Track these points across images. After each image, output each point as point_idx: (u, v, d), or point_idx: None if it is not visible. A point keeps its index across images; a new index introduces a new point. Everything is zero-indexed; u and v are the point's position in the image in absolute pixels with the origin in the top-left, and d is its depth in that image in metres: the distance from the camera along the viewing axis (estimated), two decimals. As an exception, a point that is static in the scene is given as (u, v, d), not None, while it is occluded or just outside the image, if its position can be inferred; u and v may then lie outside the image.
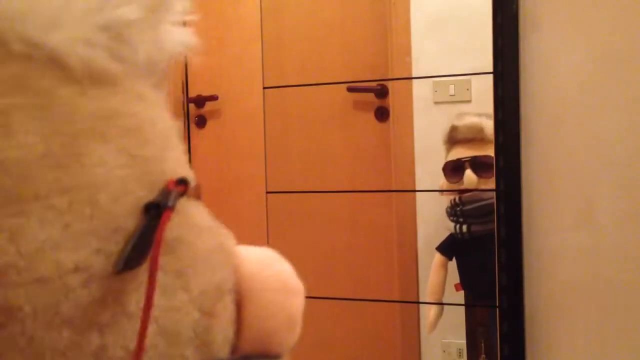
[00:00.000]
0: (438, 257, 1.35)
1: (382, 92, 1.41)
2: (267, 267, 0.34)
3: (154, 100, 0.32)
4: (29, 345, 0.25)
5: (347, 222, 1.44)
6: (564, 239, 1.04)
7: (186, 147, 1.72)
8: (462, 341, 1.31)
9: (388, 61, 1.39)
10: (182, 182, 0.31)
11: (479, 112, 1.26)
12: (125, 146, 0.29)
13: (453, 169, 1.31)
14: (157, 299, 0.28)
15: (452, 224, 1.31)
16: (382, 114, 1.42)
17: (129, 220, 0.28)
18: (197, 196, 0.33)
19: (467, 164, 1.28)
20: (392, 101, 1.41)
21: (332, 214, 1.44)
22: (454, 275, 1.34)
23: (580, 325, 1.04)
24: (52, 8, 0.28)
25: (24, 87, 0.27)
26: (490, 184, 1.25)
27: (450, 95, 1.29)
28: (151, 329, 0.27)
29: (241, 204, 1.64)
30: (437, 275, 1.35)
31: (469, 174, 1.27)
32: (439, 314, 1.35)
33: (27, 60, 0.27)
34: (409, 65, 1.35)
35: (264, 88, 1.39)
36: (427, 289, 1.36)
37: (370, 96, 1.43)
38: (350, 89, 1.42)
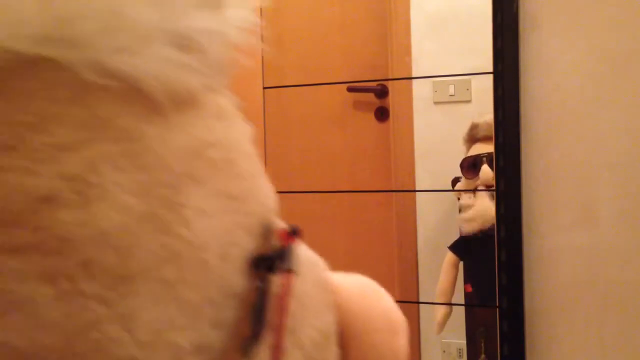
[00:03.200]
0: (450, 256, 1.35)
1: (382, 92, 1.41)
2: (369, 302, 0.31)
3: (231, 112, 0.27)
4: None
5: (347, 222, 1.44)
6: (564, 239, 1.04)
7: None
8: (462, 341, 1.31)
9: (388, 61, 1.39)
10: (295, 232, 0.26)
11: (477, 113, 1.26)
12: (219, 185, 0.24)
13: (470, 165, 1.31)
14: None
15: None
16: (382, 114, 1.42)
17: (239, 278, 0.23)
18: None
19: (485, 160, 1.28)
20: (392, 101, 1.41)
21: (332, 214, 1.44)
22: (460, 277, 1.34)
23: (580, 325, 1.04)
24: (124, 26, 0.22)
25: (108, 128, 0.21)
26: None
27: (450, 95, 1.29)
28: None
29: (241, 204, 1.64)
30: (447, 275, 1.35)
31: (485, 169, 1.27)
32: (448, 314, 1.35)
33: (104, 93, 0.22)
34: (409, 65, 1.35)
35: (264, 88, 1.39)
36: (437, 288, 1.36)
37: (370, 96, 1.43)
38: (350, 89, 1.42)
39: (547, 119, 1.04)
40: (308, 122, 1.49)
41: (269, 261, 0.24)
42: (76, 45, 0.21)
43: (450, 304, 1.33)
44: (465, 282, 1.33)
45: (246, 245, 0.24)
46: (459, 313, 1.32)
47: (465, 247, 1.34)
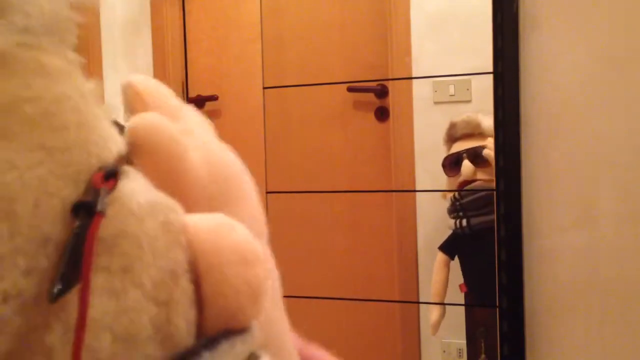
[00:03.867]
0: (440, 256, 1.35)
1: (382, 92, 1.41)
2: (222, 238, 0.31)
3: (61, 68, 0.28)
4: None
5: (347, 222, 1.44)
6: (564, 239, 1.04)
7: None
8: (462, 341, 1.32)
9: (388, 61, 1.39)
10: (111, 174, 0.27)
11: (483, 111, 1.27)
12: (36, 139, 0.25)
13: (452, 163, 1.32)
14: (107, 303, 0.25)
15: (452, 221, 1.32)
16: (382, 114, 1.42)
17: (57, 227, 0.24)
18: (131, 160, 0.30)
19: (464, 156, 1.30)
20: (392, 101, 1.41)
21: (332, 214, 1.44)
22: (457, 276, 1.34)
23: (580, 325, 1.04)
24: None
25: None
26: (488, 174, 1.28)
27: (450, 95, 1.29)
28: (105, 338, 0.25)
29: (241, 204, 1.64)
30: (439, 275, 1.35)
31: (466, 164, 1.29)
32: (442, 315, 1.35)
33: None
34: (409, 65, 1.35)
35: (264, 88, 1.39)
36: (431, 289, 1.36)
37: (370, 96, 1.43)
38: (350, 89, 1.42)
39: (547, 119, 1.04)
40: (308, 122, 1.49)
41: (87, 206, 0.25)
42: None
43: (450, 304, 1.34)
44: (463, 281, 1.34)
45: (67, 194, 0.25)
46: (459, 313, 1.33)
47: (455, 245, 1.35)
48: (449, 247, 1.35)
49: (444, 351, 1.34)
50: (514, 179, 1.05)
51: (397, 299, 1.40)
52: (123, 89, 0.36)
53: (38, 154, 0.25)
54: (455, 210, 1.31)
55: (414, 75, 1.35)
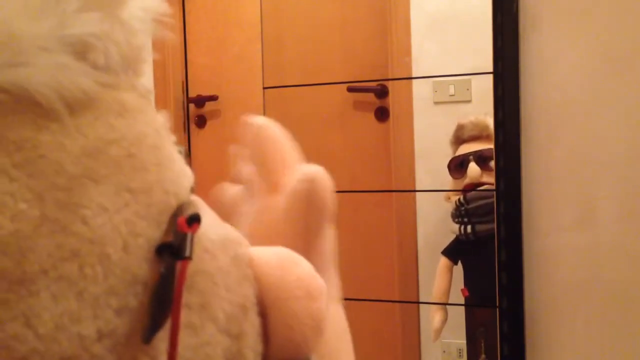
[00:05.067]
0: (443, 260, 1.35)
1: (382, 92, 1.41)
2: (288, 272, 0.32)
3: (137, 105, 0.29)
4: None
5: (347, 222, 1.44)
6: (564, 239, 1.04)
7: (186, 147, 1.71)
8: (462, 341, 1.31)
9: (388, 61, 1.39)
10: (194, 219, 0.28)
11: (477, 113, 1.27)
12: (122, 181, 0.26)
13: (458, 165, 1.31)
14: (187, 339, 0.27)
15: (457, 226, 1.31)
16: (382, 114, 1.42)
17: (143, 267, 0.26)
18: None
19: (471, 158, 1.29)
20: (392, 101, 1.41)
21: (332, 214, 1.44)
22: (459, 280, 1.34)
23: (580, 325, 1.04)
24: (9, 40, 0.24)
25: (0, 143, 0.24)
26: (494, 177, 1.26)
27: (450, 95, 1.29)
28: None
29: (241, 204, 1.64)
30: (442, 280, 1.35)
31: (472, 166, 1.28)
32: (444, 320, 1.35)
33: None
34: (409, 65, 1.35)
35: (264, 88, 1.39)
36: (433, 293, 1.36)
37: (370, 96, 1.43)
38: (350, 89, 1.42)
39: (547, 119, 1.04)
40: (308, 122, 1.49)
41: (171, 248, 0.26)
42: None
43: (450, 304, 1.33)
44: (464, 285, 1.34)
45: (151, 234, 0.26)
46: (459, 313, 1.32)
47: (458, 251, 1.34)
48: (452, 252, 1.35)
49: (444, 351, 1.34)
50: (514, 179, 1.05)
51: (397, 299, 1.40)
52: (254, 128, 0.39)
53: (124, 196, 0.26)
54: (460, 215, 1.30)
55: (414, 75, 1.35)
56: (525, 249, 1.05)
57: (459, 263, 1.34)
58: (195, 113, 1.63)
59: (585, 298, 1.03)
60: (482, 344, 1.29)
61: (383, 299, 1.41)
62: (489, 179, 1.26)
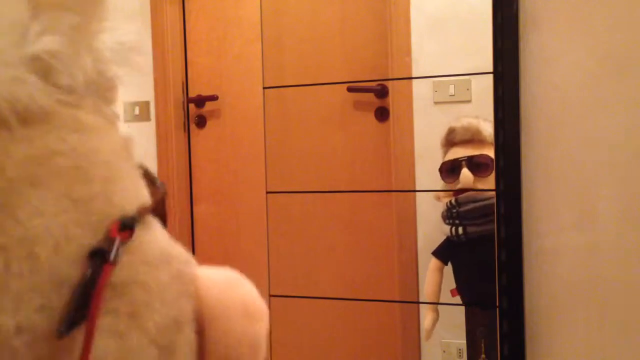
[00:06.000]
0: (434, 261, 1.35)
1: (382, 92, 1.41)
2: (229, 291, 0.33)
3: (96, 125, 0.30)
4: None
5: (347, 222, 1.44)
6: (564, 239, 1.04)
7: (186, 147, 1.70)
8: (462, 341, 1.31)
9: (388, 61, 1.39)
10: (127, 226, 0.29)
11: (477, 113, 1.27)
12: (63, 189, 0.27)
13: (449, 170, 1.31)
14: (110, 344, 0.27)
15: (447, 227, 1.31)
16: (382, 114, 1.42)
17: (73, 270, 0.27)
18: (162, 211, 0.33)
19: (463, 163, 1.28)
20: (392, 101, 1.41)
21: (332, 214, 1.44)
22: (449, 281, 1.33)
23: (580, 325, 1.04)
24: None
25: None
26: (487, 183, 1.25)
27: (450, 95, 1.29)
28: None
29: (241, 204, 1.64)
30: (433, 280, 1.35)
31: (465, 172, 1.27)
32: (436, 320, 1.35)
33: None
34: (409, 65, 1.35)
35: (264, 88, 1.39)
36: (424, 294, 1.36)
37: (370, 96, 1.43)
38: (350, 89, 1.42)
39: (547, 119, 1.04)
40: (308, 122, 1.49)
41: (102, 253, 0.27)
42: None
43: (450, 304, 1.33)
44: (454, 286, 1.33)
45: (84, 240, 0.28)
46: (459, 313, 1.32)
47: (449, 252, 1.33)
48: (443, 253, 1.34)
49: (444, 351, 1.34)
50: (514, 179, 1.05)
51: (397, 299, 1.40)
52: None
53: (63, 203, 0.27)
54: (451, 217, 1.30)
55: (414, 75, 1.35)
56: (525, 249, 1.05)
57: (449, 264, 1.34)
58: (195, 113, 1.63)
59: (585, 298, 1.03)
60: (482, 344, 1.29)
61: (383, 299, 1.41)
62: (482, 185, 1.26)
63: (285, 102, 1.48)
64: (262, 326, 0.33)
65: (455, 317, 1.32)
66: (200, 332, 0.32)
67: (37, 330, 0.26)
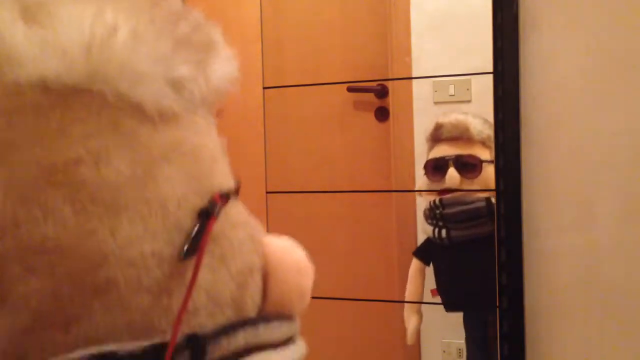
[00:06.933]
0: (415, 263, 1.32)
1: (382, 92, 1.41)
2: (286, 253, 0.46)
3: (205, 128, 0.44)
4: (122, 305, 0.36)
5: (347, 222, 1.44)
6: (564, 239, 1.04)
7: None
8: (462, 341, 1.32)
9: (388, 61, 1.39)
10: (225, 195, 0.42)
11: (477, 113, 1.25)
12: (185, 166, 0.41)
13: (435, 168, 1.27)
14: (206, 274, 0.40)
15: (430, 228, 1.27)
16: (382, 114, 1.42)
17: (187, 221, 0.39)
18: (236, 192, 0.45)
19: (450, 163, 1.24)
20: (392, 101, 1.41)
21: (332, 214, 1.44)
22: (430, 280, 1.32)
23: (580, 325, 1.04)
24: (137, 70, 0.39)
25: (117, 129, 0.39)
26: (474, 185, 1.22)
27: (450, 95, 1.29)
28: (202, 295, 0.39)
29: (241, 204, 1.64)
30: (414, 283, 1.32)
31: (451, 173, 1.23)
32: (420, 322, 1.33)
33: (118, 109, 0.39)
34: (409, 65, 1.35)
35: (264, 88, 1.39)
36: (405, 297, 1.33)
37: (370, 96, 1.43)
38: (350, 89, 1.42)
39: (547, 119, 1.04)
40: (308, 122, 1.49)
41: (207, 212, 0.40)
42: (106, 82, 0.38)
43: (451, 304, 1.33)
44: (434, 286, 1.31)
45: (196, 202, 0.40)
46: (459, 313, 1.32)
47: (430, 253, 1.31)
48: (424, 253, 1.31)
49: (444, 351, 1.34)
50: (514, 179, 1.05)
51: (397, 299, 1.40)
52: None
53: (185, 176, 0.40)
54: (434, 217, 1.25)
55: (414, 75, 1.35)
56: (525, 249, 1.06)
57: (431, 265, 1.32)
58: (195, 113, 1.63)
59: (585, 298, 1.03)
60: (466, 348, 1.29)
61: (383, 298, 1.41)
62: (469, 186, 1.22)
63: (285, 102, 1.48)
64: (308, 281, 0.47)
65: (455, 317, 1.32)
66: (265, 280, 0.44)
67: (165, 256, 0.38)
